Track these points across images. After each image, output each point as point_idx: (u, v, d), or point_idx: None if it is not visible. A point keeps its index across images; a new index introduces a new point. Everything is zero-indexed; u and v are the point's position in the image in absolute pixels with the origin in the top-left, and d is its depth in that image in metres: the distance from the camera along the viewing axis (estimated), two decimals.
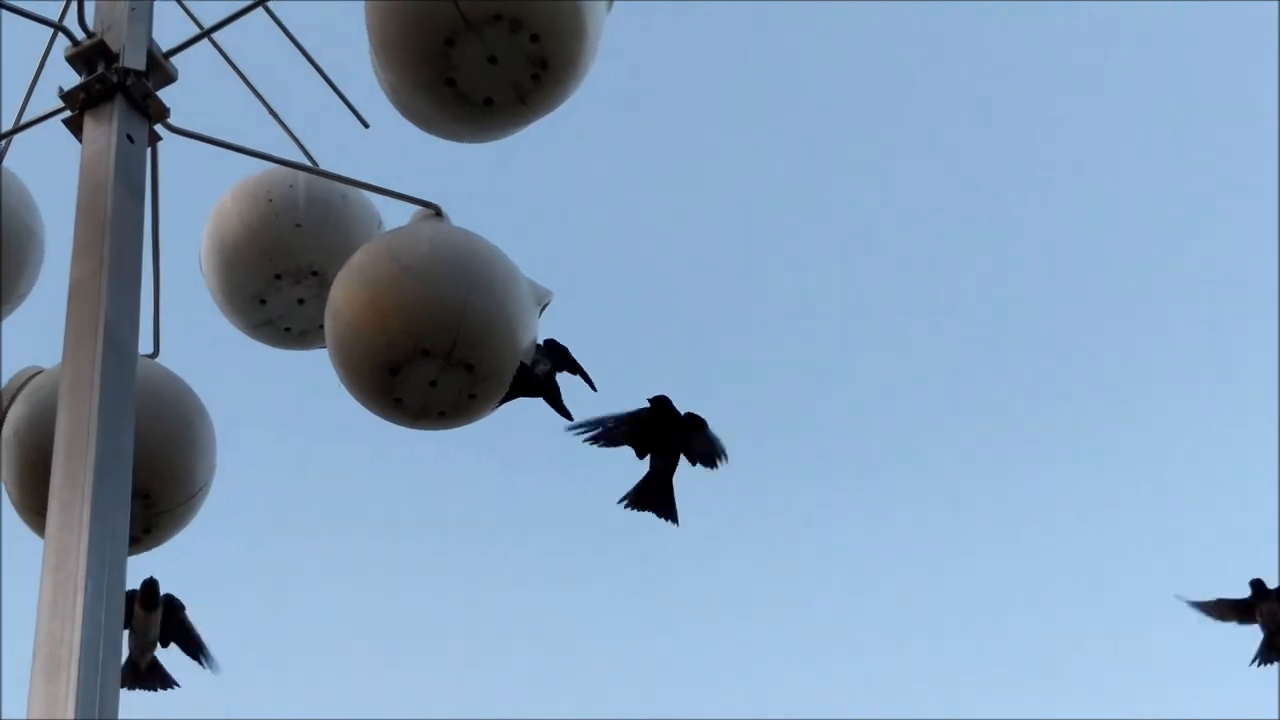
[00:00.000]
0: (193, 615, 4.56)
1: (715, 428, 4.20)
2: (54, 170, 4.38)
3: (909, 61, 11.54)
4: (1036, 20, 11.09)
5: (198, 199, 4.61)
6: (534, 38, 3.68)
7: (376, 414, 4.06)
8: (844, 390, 11.60)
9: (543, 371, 4.12)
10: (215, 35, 4.30)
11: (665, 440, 4.24)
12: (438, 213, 4.21)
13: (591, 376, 4.17)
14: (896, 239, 11.74)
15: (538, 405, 4.21)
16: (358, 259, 4.03)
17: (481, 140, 4.12)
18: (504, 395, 4.03)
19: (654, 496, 4.23)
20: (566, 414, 4.23)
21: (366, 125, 4.69)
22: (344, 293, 3.99)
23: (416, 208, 4.25)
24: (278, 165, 4.46)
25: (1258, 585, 4.70)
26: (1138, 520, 11.23)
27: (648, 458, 4.25)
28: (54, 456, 3.23)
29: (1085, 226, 11.60)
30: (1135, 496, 11.19)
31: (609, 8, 3.89)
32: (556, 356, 4.18)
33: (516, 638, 10.74)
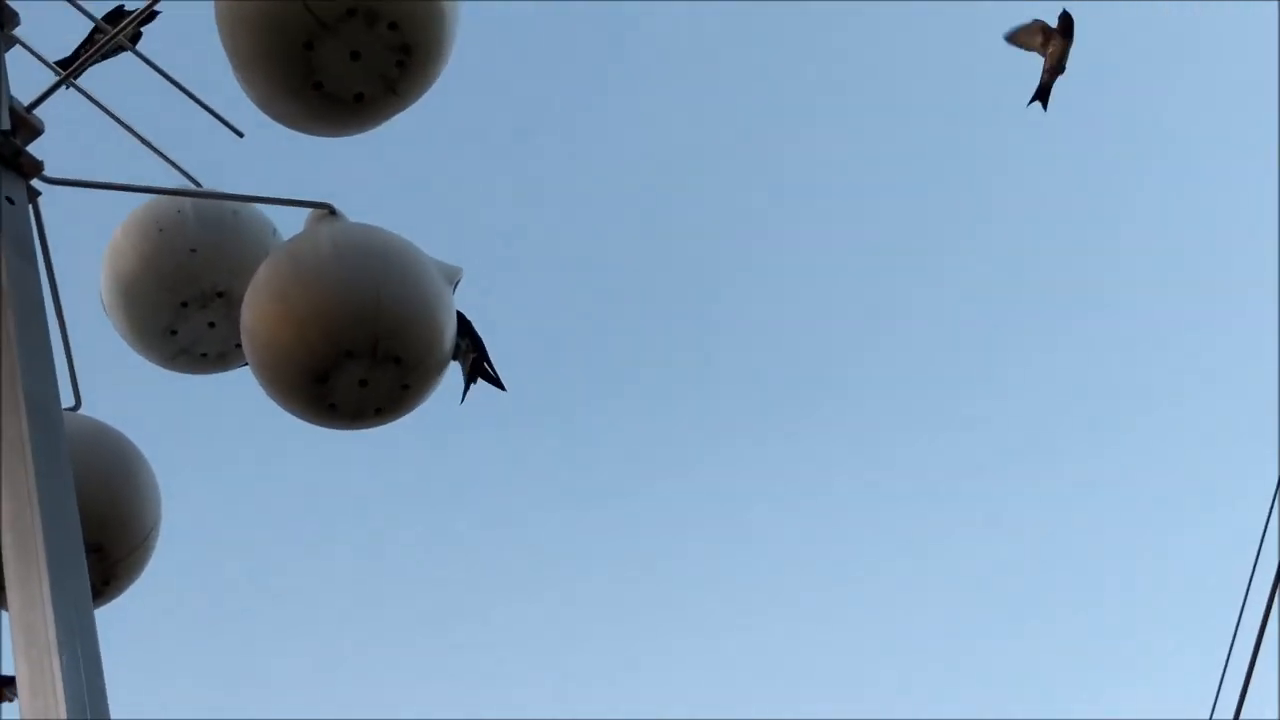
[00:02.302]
0: None
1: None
2: None
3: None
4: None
5: (88, 242, 4.56)
6: (392, 25, 3.66)
7: (313, 423, 4.06)
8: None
9: (466, 352, 4.15)
10: (74, 75, 4.24)
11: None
12: (331, 211, 4.19)
13: (497, 369, 4.29)
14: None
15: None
16: (263, 274, 4.01)
17: (359, 133, 4.10)
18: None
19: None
20: (501, 385, 4.29)
21: (240, 134, 4.64)
22: (255, 311, 3.97)
23: (310, 210, 4.23)
24: (162, 194, 4.43)
25: (1065, 19, 4.46)
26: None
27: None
28: (3, 538, 3.22)
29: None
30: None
31: None
32: (473, 339, 4.23)
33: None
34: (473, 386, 4.32)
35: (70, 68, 4.38)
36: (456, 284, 4.13)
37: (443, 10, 3.72)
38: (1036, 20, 4.33)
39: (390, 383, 3.95)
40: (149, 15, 4.58)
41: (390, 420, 4.09)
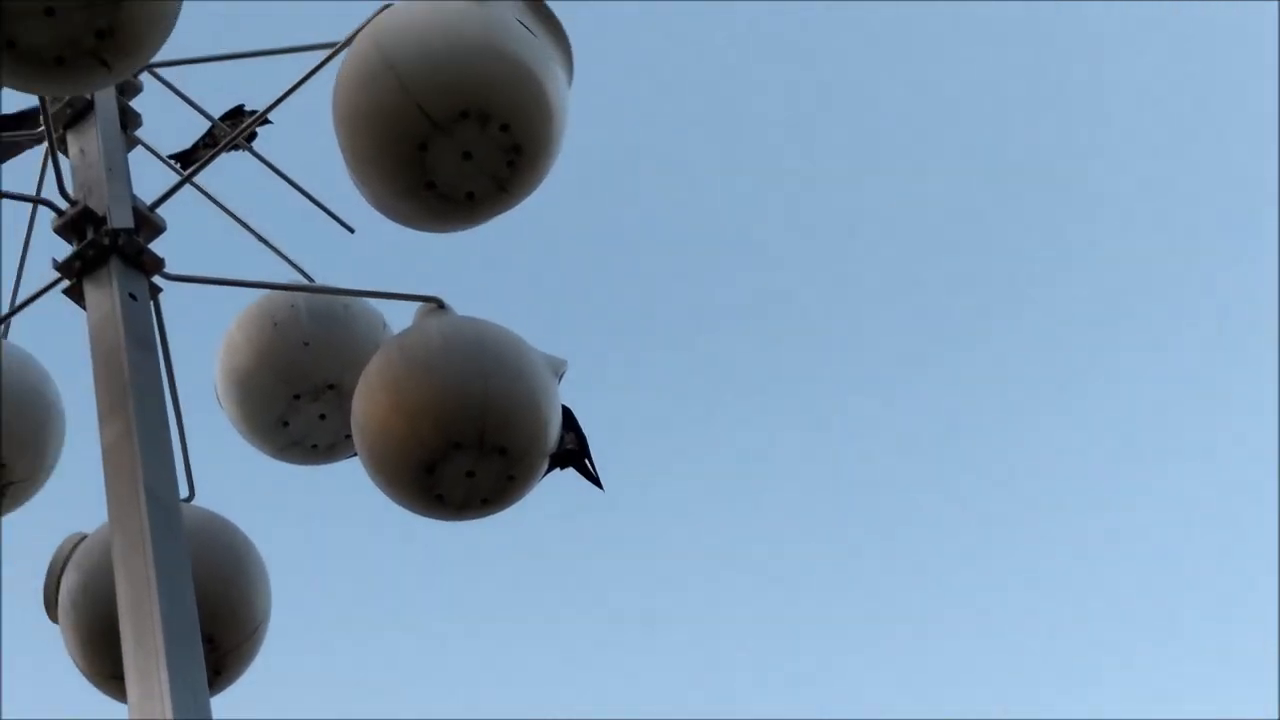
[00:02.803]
0: None
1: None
2: (55, 338, 4.46)
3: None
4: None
5: (203, 335, 4.68)
6: (504, 127, 3.72)
7: (419, 513, 4.11)
8: None
9: (569, 445, 4.21)
10: (195, 175, 4.37)
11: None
12: (440, 305, 4.27)
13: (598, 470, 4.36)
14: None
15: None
16: (374, 366, 4.09)
17: (467, 229, 4.18)
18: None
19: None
20: (599, 483, 4.33)
21: (352, 230, 4.78)
22: (366, 402, 4.05)
23: (419, 304, 4.31)
24: (276, 289, 4.54)
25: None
26: None
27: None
28: (121, 623, 3.29)
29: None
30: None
31: (569, 80, 3.95)
32: (577, 433, 4.29)
33: None
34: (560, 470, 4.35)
35: (189, 167, 4.52)
36: (562, 376, 4.19)
37: (553, 111, 3.79)
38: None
39: (496, 474, 4.00)
40: (261, 115, 4.74)
41: (495, 511, 4.13)
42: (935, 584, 11.15)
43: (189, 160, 4.63)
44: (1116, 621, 11.05)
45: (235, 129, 4.62)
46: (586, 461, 4.37)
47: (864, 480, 11.18)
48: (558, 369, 4.19)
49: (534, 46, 3.79)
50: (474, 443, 3.95)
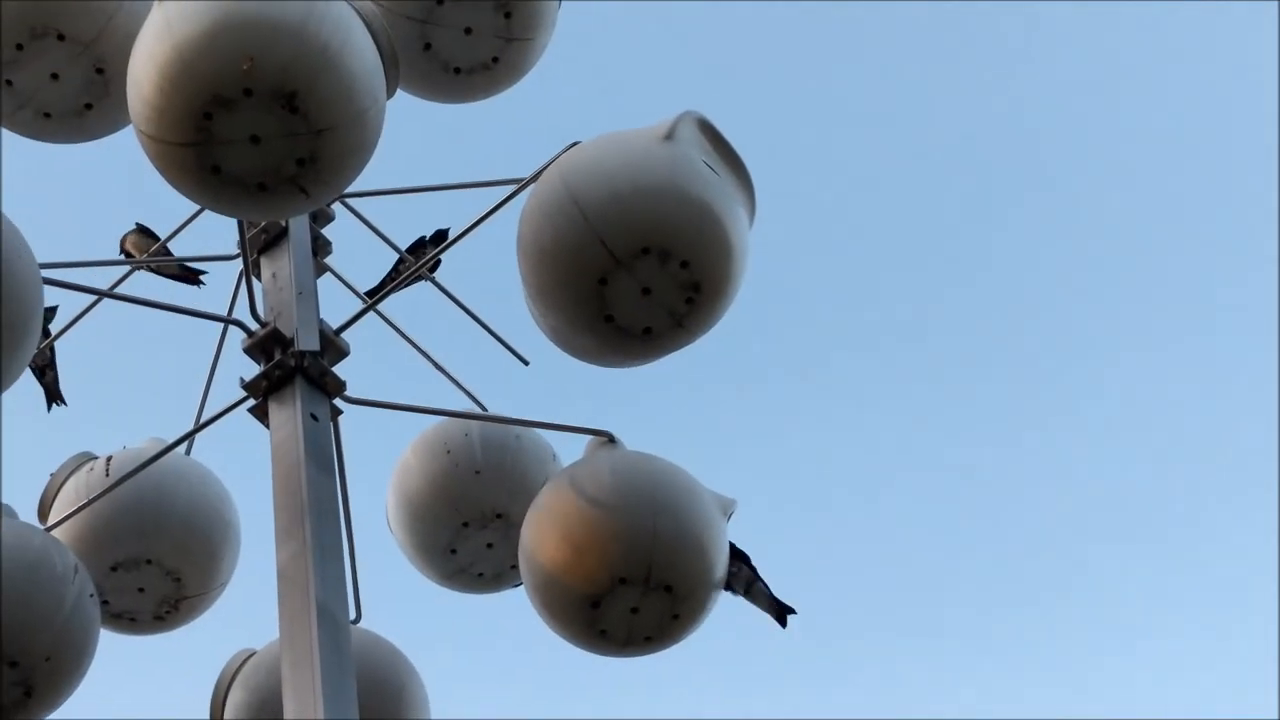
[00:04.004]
0: None
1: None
2: (236, 455, 4.57)
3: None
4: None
5: (377, 461, 4.75)
6: (684, 264, 3.73)
7: (582, 647, 4.08)
8: None
9: (742, 579, 4.18)
10: (377, 303, 4.48)
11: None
12: (610, 439, 4.28)
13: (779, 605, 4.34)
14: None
15: None
16: (544, 499, 4.10)
17: (642, 364, 4.19)
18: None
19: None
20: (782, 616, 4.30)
21: (526, 363, 4.84)
22: (535, 534, 4.05)
23: (590, 437, 4.33)
24: (451, 417, 4.60)
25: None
26: None
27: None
28: None
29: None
30: None
31: (751, 219, 3.97)
32: (749, 567, 4.27)
33: None
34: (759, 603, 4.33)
35: (375, 296, 4.63)
36: (730, 515, 4.16)
37: (733, 251, 3.80)
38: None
39: (661, 611, 3.96)
40: (446, 247, 4.85)
41: (658, 649, 4.08)
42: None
43: (376, 294, 4.75)
44: (1116, 620, 10.73)
45: (419, 261, 4.73)
46: (769, 595, 4.36)
47: None
48: (727, 509, 4.15)
49: (717, 186, 3.82)
50: (640, 579, 3.92)
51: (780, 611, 4.38)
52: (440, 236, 4.84)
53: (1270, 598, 9.50)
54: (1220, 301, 11.39)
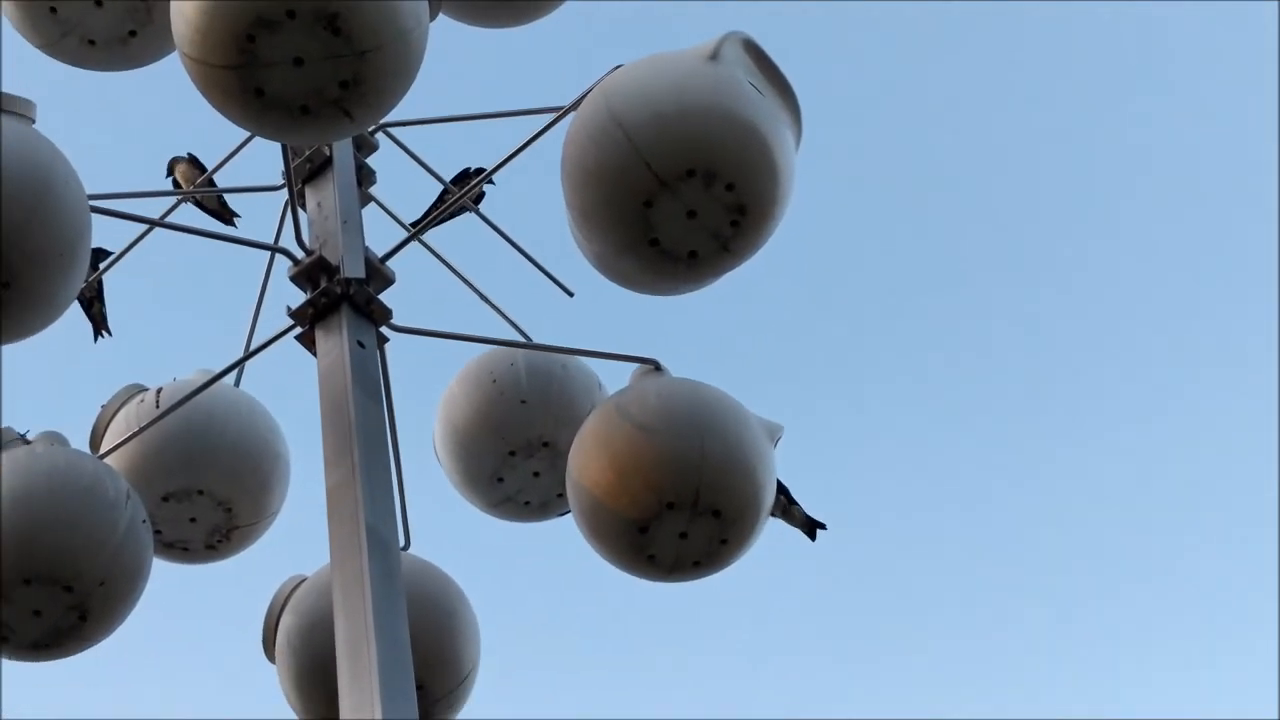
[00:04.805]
0: None
1: None
2: (284, 384, 4.59)
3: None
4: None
5: (423, 388, 4.76)
6: (729, 187, 3.70)
7: (630, 573, 4.08)
8: None
9: (784, 504, 4.18)
10: (421, 232, 4.47)
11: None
12: (656, 367, 4.26)
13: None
14: None
15: None
16: (590, 425, 4.09)
17: (688, 291, 4.17)
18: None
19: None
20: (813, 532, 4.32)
21: (571, 294, 4.82)
22: (582, 460, 4.05)
23: (635, 365, 4.31)
24: (496, 346, 4.60)
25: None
26: None
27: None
28: (338, 659, 3.33)
29: None
30: None
31: (797, 141, 3.93)
32: (784, 493, 4.28)
33: None
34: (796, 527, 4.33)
35: (419, 226, 4.62)
36: (777, 441, 4.14)
37: (779, 172, 3.76)
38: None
39: (709, 536, 3.96)
40: (490, 175, 4.84)
41: (706, 574, 4.08)
42: None
43: (420, 224, 4.74)
44: (1115, 621, 10.70)
45: (462, 191, 4.72)
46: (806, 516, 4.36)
47: None
48: (774, 434, 4.14)
49: (763, 107, 3.78)
50: (688, 504, 3.91)
51: (811, 527, 4.39)
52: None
53: (1270, 597, 9.43)
54: None
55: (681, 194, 3.70)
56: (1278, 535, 9.56)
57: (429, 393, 4.70)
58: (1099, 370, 11.51)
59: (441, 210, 4.67)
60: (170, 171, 4.81)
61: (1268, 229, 10.15)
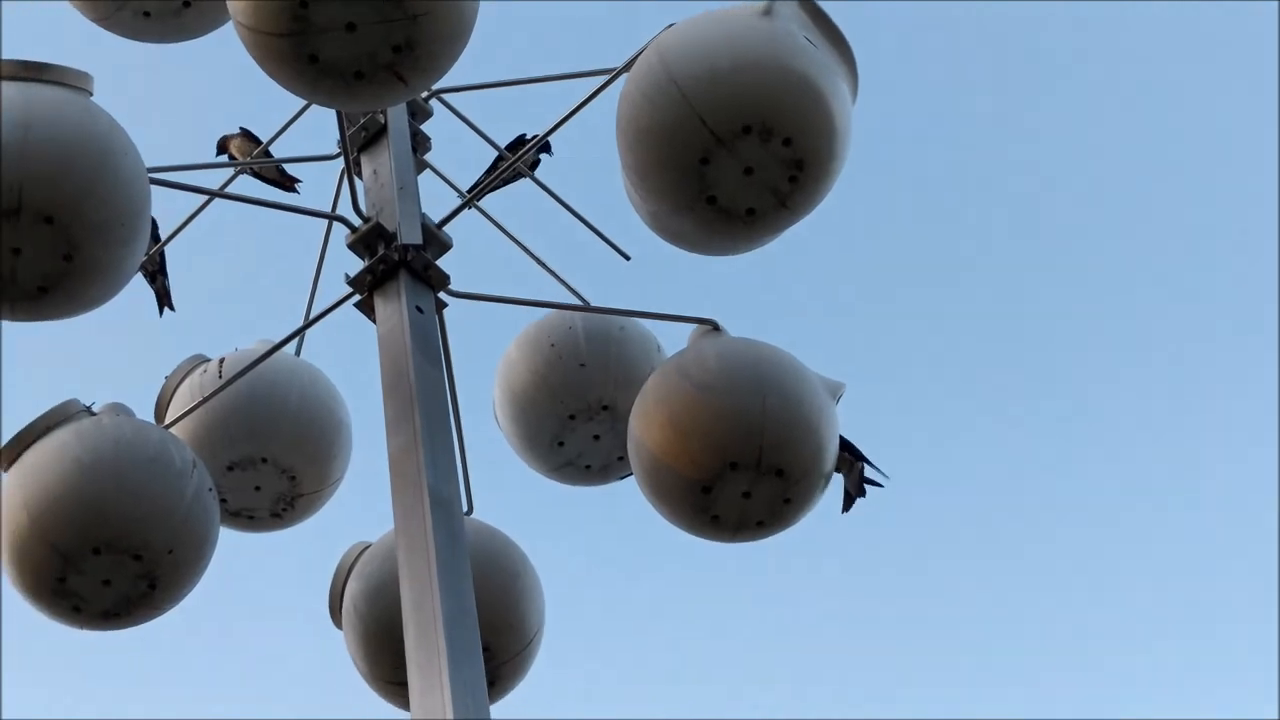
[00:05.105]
0: None
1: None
2: (343, 352, 4.61)
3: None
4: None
5: (481, 354, 4.77)
6: (786, 142, 3.67)
7: (694, 534, 4.08)
8: None
9: (848, 463, 4.16)
10: (476, 198, 4.47)
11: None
12: (715, 327, 4.25)
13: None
14: None
15: None
16: (651, 386, 4.08)
17: (746, 250, 4.14)
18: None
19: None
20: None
21: (627, 258, 4.81)
22: (644, 422, 4.04)
23: (693, 326, 4.30)
24: (554, 310, 4.60)
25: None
26: None
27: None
28: (404, 623, 3.34)
29: None
30: None
31: (854, 95, 3.89)
32: (852, 451, 4.26)
33: None
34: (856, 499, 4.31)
35: (474, 192, 4.62)
36: (839, 398, 4.12)
37: (836, 126, 3.73)
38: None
39: (773, 495, 3.95)
40: (546, 145, 4.83)
41: (770, 534, 4.07)
42: None
43: (475, 190, 4.74)
44: (1114, 620, 10.60)
45: (516, 157, 4.71)
46: (867, 475, 4.34)
47: None
48: (835, 391, 4.12)
49: (818, 61, 3.75)
50: (751, 464, 3.90)
51: (860, 488, 4.36)
52: (543, 145, 4.82)
53: (1270, 598, 9.30)
54: None
55: (738, 150, 3.67)
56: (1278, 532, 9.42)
57: (487, 359, 4.72)
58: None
59: (496, 176, 4.67)
60: (222, 149, 4.82)
61: None
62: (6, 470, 3.87)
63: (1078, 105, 11.35)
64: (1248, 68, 10.80)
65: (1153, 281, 11.32)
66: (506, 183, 4.80)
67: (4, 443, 3.90)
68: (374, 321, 3.98)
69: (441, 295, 4.07)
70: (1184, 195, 11.37)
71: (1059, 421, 11.01)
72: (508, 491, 4.80)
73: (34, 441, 3.85)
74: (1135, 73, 11.46)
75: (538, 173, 4.87)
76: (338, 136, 4.34)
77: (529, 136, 4.85)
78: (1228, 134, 11.20)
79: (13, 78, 3.57)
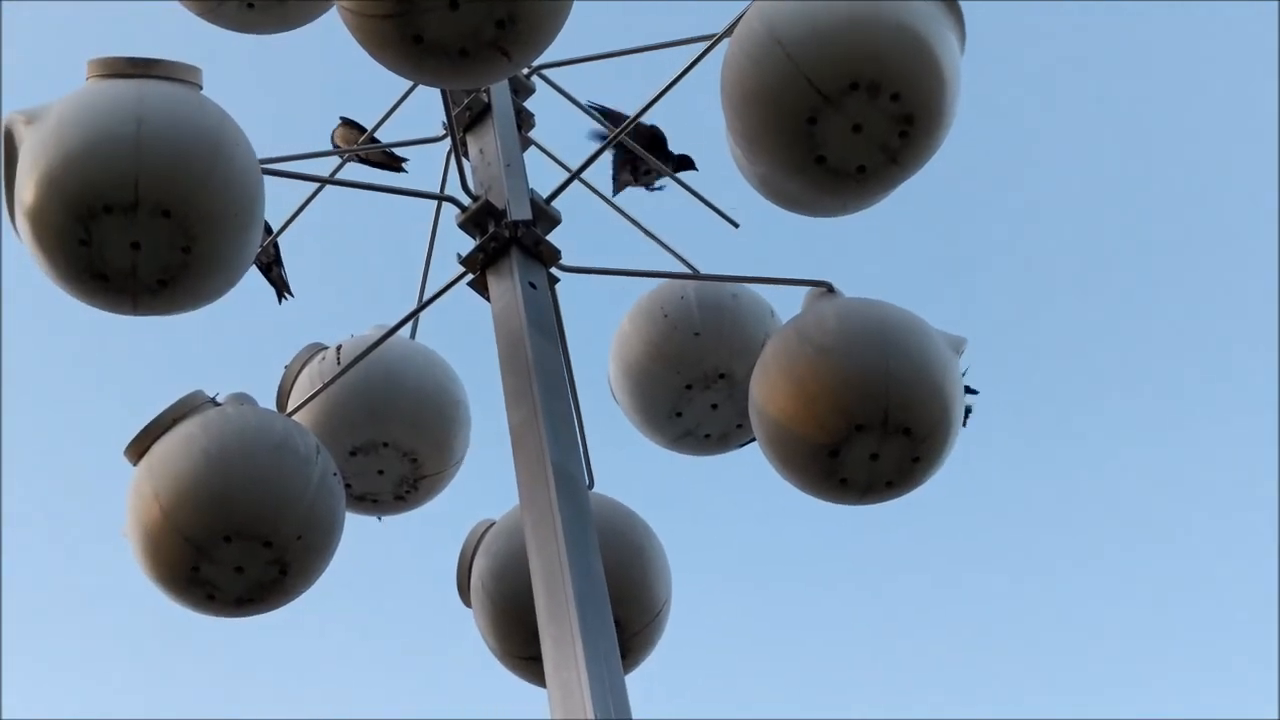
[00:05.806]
0: None
1: None
2: (455, 336, 4.62)
3: None
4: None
5: (594, 328, 4.76)
6: (894, 97, 3.61)
7: (822, 498, 4.04)
8: None
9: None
10: (584, 172, 4.45)
11: None
12: (830, 289, 4.20)
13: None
14: None
15: None
16: (770, 351, 4.05)
17: (857, 209, 4.09)
18: None
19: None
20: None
21: (736, 225, 4.77)
22: (765, 388, 4.00)
23: (807, 290, 4.25)
24: (665, 280, 4.57)
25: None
26: None
27: None
28: (535, 597, 3.34)
29: None
30: None
31: (961, 46, 3.82)
32: None
33: None
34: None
35: (580, 167, 4.60)
36: (962, 353, 4.06)
37: (944, 76, 3.66)
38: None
39: (901, 455, 3.90)
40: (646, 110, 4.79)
41: (900, 494, 4.02)
42: None
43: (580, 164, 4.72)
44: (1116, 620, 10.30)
45: (619, 130, 4.68)
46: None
47: None
48: (958, 346, 4.05)
49: (923, 12, 3.68)
50: (878, 424, 3.85)
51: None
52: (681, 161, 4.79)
53: (1271, 597, 9.04)
54: None
55: (846, 108, 3.62)
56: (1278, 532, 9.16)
57: (601, 332, 4.70)
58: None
59: (601, 148, 4.64)
60: (331, 141, 4.86)
61: None
62: (136, 464, 3.93)
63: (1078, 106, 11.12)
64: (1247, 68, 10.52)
65: (1157, 283, 11.07)
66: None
67: (133, 437, 3.95)
68: (488, 300, 3.98)
69: (553, 270, 4.06)
70: (1184, 195, 11.13)
71: (1059, 421, 10.81)
72: (627, 465, 4.79)
73: (161, 434, 3.90)
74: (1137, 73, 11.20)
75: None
76: (442, 119, 4.35)
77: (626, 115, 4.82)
78: (1228, 134, 10.94)
79: (123, 75, 3.61)
